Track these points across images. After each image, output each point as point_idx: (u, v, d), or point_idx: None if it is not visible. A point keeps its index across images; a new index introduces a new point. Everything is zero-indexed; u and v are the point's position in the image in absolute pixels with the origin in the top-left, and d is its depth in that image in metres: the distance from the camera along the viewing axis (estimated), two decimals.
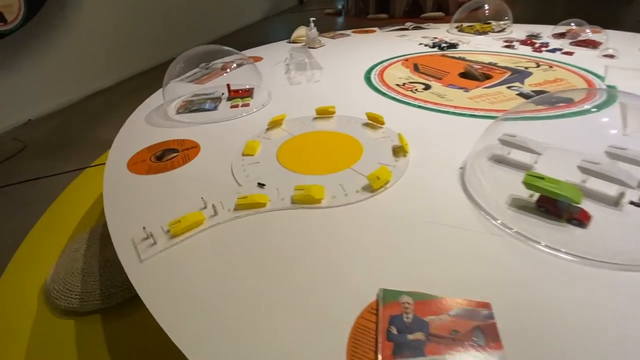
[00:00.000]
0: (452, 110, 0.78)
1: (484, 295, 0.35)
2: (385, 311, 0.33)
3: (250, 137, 0.70)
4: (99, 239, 0.80)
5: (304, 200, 0.49)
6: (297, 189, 0.50)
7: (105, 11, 2.12)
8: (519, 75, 0.99)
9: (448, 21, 1.65)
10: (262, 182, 0.54)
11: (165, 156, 0.66)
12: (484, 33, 1.50)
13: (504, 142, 0.55)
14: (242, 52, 1.19)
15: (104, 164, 0.67)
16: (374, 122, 0.71)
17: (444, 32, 1.59)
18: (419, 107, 0.81)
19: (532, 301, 0.35)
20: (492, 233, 0.43)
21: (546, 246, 0.41)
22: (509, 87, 0.90)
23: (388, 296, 0.35)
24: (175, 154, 0.66)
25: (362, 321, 0.33)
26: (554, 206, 0.44)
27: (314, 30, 1.42)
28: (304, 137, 0.69)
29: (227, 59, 1.21)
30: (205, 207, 0.50)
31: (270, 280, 0.39)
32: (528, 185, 0.45)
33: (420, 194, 0.51)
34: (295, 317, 0.35)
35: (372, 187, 0.51)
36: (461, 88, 0.91)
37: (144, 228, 0.45)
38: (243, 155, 0.64)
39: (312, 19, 1.42)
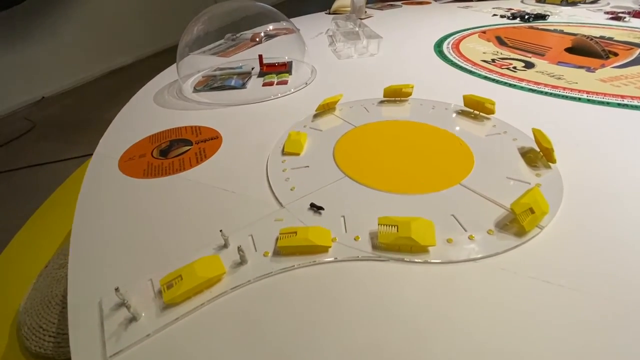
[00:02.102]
0: (583, 96, 0.53)
1: None
2: None
3: (291, 126, 0.49)
4: None
5: (400, 245, 0.28)
6: (384, 224, 0.29)
7: None
8: None
9: None
10: (317, 203, 0.33)
11: (173, 150, 0.46)
12: (573, 4, 1.21)
13: None
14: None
15: None
16: (477, 109, 0.48)
17: (517, 3, 1.30)
18: (532, 90, 0.56)
19: None
20: None
21: None
22: None
23: None
24: (187, 148, 0.46)
25: None
26: None
27: None
28: (371, 129, 0.47)
29: (258, 29, 1.00)
30: (226, 246, 0.30)
31: None
32: None
33: (609, 243, 0.28)
34: None
35: (524, 227, 0.28)
36: (581, 67, 0.65)
37: (116, 289, 0.25)
38: (284, 153, 0.43)
39: None
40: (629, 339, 0.22)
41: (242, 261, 0.28)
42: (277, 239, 0.29)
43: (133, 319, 0.24)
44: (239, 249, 0.27)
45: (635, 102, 0.51)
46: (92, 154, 0.49)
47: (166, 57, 2.04)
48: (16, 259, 0.69)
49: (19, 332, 0.52)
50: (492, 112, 0.46)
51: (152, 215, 0.35)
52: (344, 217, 0.32)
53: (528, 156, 0.39)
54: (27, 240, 0.74)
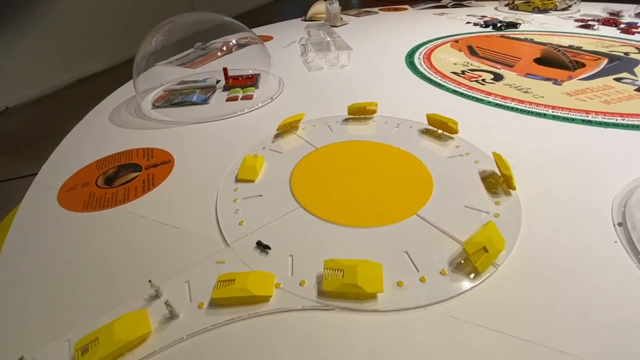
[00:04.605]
0: (549, 111, 0.53)
1: None
2: None
3: (250, 147, 0.47)
4: None
5: (347, 292, 0.26)
6: (329, 268, 0.26)
7: None
8: (621, 63, 0.72)
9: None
10: (265, 240, 0.31)
11: (120, 177, 0.43)
12: (545, 11, 1.22)
13: None
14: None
15: None
16: (441, 129, 0.46)
17: (491, 10, 1.31)
18: (498, 105, 0.56)
19: None
20: None
21: None
22: (617, 80, 0.64)
23: None
24: (136, 175, 0.43)
25: None
26: None
27: (336, 4, 1.16)
28: (332, 151, 0.45)
29: (228, 38, 0.97)
30: (157, 297, 0.27)
31: None
32: None
33: (568, 284, 0.27)
34: None
35: (476, 268, 0.27)
36: (548, 79, 0.65)
37: (20, 359, 0.22)
38: (237, 180, 0.40)
39: None
40: None
41: (172, 316, 0.25)
42: (214, 287, 0.27)
43: None
44: (167, 304, 0.24)
45: (599, 118, 0.50)
46: None
47: None
48: None
49: None
50: (455, 131, 0.45)
51: (84, 258, 0.32)
52: (292, 256, 0.30)
53: (489, 181, 0.37)
54: None
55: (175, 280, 0.28)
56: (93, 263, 0.31)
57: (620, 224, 0.31)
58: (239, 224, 0.34)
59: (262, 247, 0.30)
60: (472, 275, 0.27)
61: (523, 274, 0.27)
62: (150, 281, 0.26)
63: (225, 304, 0.26)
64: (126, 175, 0.43)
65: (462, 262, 0.28)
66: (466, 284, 0.26)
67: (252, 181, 0.40)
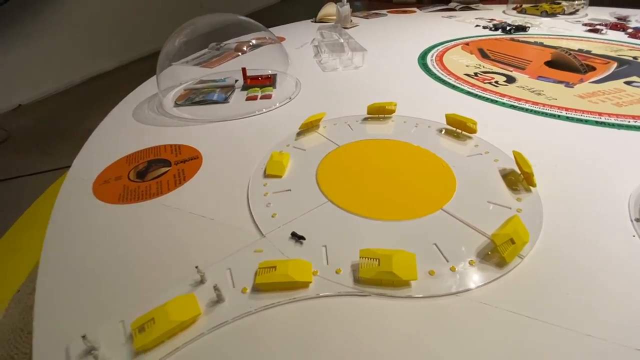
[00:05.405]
0: (563, 113, 0.54)
1: None
2: None
3: (274, 145, 0.48)
4: None
5: (382, 280, 0.27)
6: (366, 257, 0.28)
7: None
8: (630, 67, 0.74)
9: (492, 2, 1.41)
10: (298, 232, 0.33)
11: (151, 171, 0.45)
12: (553, 15, 1.24)
13: None
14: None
15: None
16: (459, 128, 0.48)
17: (499, 13, 1.33)
18: (513, 106, 0.57)
19: None
20: None
21: None
22: (627, 83, 0.66)
23: None
24: (166, 169, 0.45)
25: None
26: None
27: (347, 7, 1.18)
28: (355, 149, 0.47)
29: (243, 38, 0.99)
30: (202, 282, 0.29)
31: None
32: None
33: (590, 273, 0.28)
34: None
35: (504, 259, 0.28)
36: (560, 82, 0.67)
37: (83, 337, 0.23)
38: (266, 175, 0.42)
39: None
40: None
41: (219, 300, 0.27)
42: (256, 274, 0.28)
43: None
44: (215, 288, 0.26)
45: (612, 120, 0.52)
46: (69, 167, 0.47)
47: (150, 62, 2.01)
48: None
49: None
50: (474, 131, 0.46)
51: (127, 246, 0.33)
52: (325, 247, 0.31)
53: (509, 178, 0.39)
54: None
55: (218, 266, 0.30)
56: (134, 252, 0.33)
57: (637, 220, 0.33)
58: (272, 216, 0.35)
59: (297, 237, 0.32)
60: (499, 266, 0.28)
61: (547, 265, 0.29)
62: (197, 267, 0.28)
63: (267, 289, 0.27)
64: (157, 170, 0.45)
65: (489, 253, 0.30)
66: (494, 273, 0.28)
67: (280, 176, 0.41)
